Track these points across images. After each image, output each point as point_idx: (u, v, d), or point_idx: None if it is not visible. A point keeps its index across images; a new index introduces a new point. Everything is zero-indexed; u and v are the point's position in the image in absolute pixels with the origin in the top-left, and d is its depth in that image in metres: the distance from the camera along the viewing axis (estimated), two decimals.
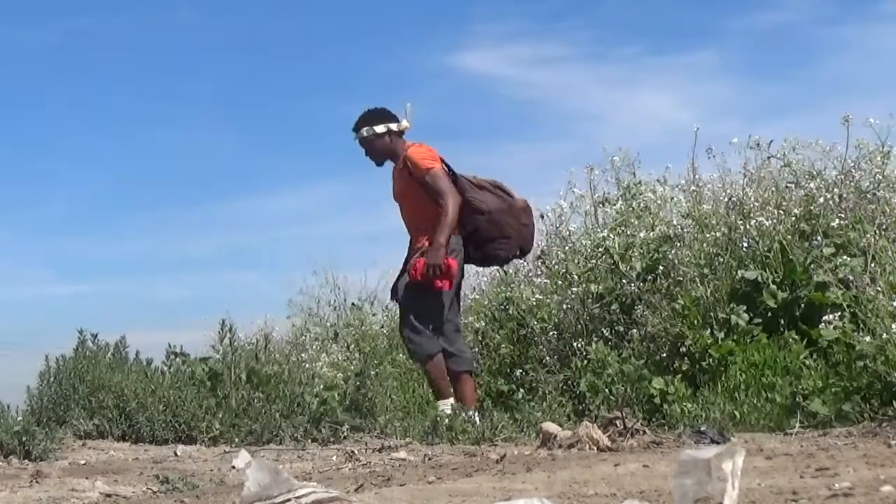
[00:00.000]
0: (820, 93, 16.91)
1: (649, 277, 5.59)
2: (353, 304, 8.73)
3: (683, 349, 4.99)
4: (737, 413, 4.22)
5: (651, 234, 5.94)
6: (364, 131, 5.52)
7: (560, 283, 6.15)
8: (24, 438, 4.45)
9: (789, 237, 5.24)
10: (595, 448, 3.61)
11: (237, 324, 5.82)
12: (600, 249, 6.11)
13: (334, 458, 4.12)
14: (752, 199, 5.61)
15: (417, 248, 5.40)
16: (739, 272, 5.17)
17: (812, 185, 5.59)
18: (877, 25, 16.13)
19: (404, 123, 5.51)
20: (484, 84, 19.03)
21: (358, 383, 5.07)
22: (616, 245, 5.97)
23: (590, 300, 5.80)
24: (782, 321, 4.92)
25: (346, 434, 4.75)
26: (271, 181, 18.80)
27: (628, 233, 6.11)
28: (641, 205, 6.42)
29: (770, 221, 5.31)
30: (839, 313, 4.44)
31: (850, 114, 5.54)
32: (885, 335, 3.93)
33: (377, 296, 8.59)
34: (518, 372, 5.82)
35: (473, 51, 19.86)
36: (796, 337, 4.68)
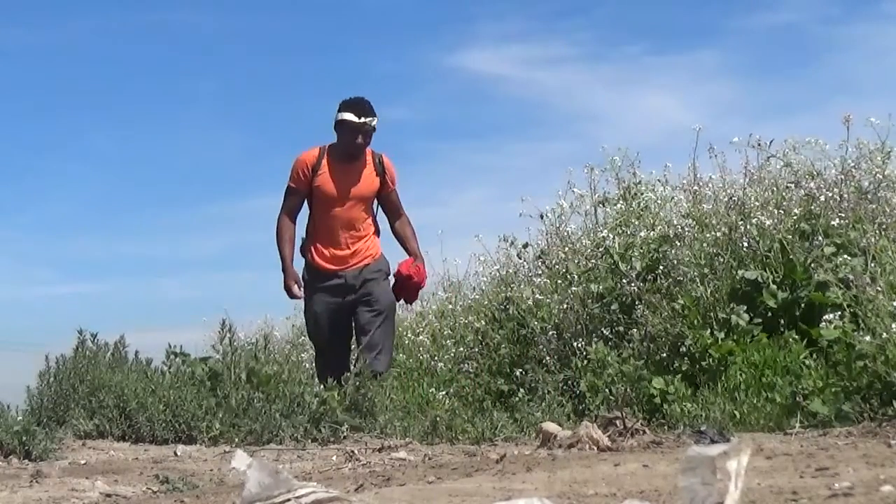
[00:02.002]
0: (822, 93, 16.94)
1: (649, 277, 5.59)
2: None
3: (683, 349, 4.99)
4: (737, 413, 4.22)
5: (651, 233, 5.94)
6: (376, 121, 5.49)
7: (560, 283, 6.15)
8: (24, 438, 4.44)
9: (789, 237, 5.24)
10: (595, 448, 3.61)
11: (237, 324, 5.83)
12: (600, 249, 6.11)
13: (334, 458, 4.12)
14: (753, 198, 5.61)
15: (364, 255, 5.55)
16: (739, 272, 5.17)
17: (812, 184, 5.59)
18: (879, 25, 16.14)
19: None
20: (486, 84, 19.08)
21: (358, 383, 5.06)
22: (616, 245, 5.97)
23: (590, 300, 5.80)
24: (782, 321, 4.92)
25: (346, 434, 4.75)
26: (272, 181, 18.83)
27: (628, 233, 6.11)
28: (641, 204, 6.42)
29: (770, 221, 5.31)
30: (839, 313, 4.44)
31: (852, 114, 5.55)
32: (885, 335, 3.93)
33: None
34: (518, 372, 5.81)
35: (475, 51, 19.90)
36: (796, 337, 4.68)
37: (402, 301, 5.81)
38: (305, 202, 5.66)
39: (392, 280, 5.66)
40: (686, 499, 1.59)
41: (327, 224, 5.57)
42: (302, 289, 5.63)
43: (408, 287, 5.69)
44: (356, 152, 5.51)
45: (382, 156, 5.61)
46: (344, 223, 5.54)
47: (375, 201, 5.68)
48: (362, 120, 5.42)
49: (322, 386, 5.12)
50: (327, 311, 5.59)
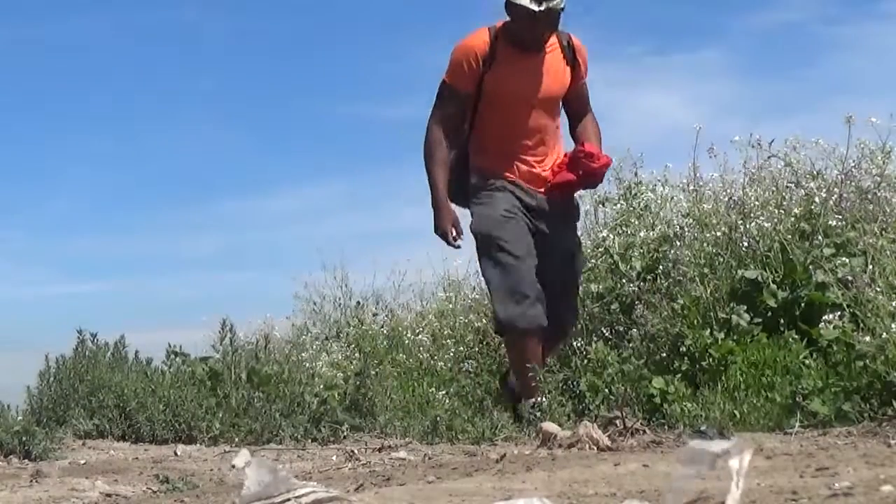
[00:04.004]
0: (823, 92, 16.89)
1: (649, 277, 5.59)
2: (357, 302, 8.71)
3: (683, 349, 4.98)
4: (737, 413, 4.22)
5: (651, 233, 5.94)
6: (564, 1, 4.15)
7: None
8: (24, 438, 4.44)
9: (789, 237, 5.24)
10: (595, 448, 3.61)
11: (237, 324, 5.83)
12: (600, 249, 6.11)
13: (334, 457, 4.12)
14: (753, 198, 5.61)
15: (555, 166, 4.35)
16: (739, 272, 5.16)
17: (812, 184, 5.58)
18: (879, 25, 16.13)
19: None
20: None
21: (358, 383, 5.06)
22: (616, 245, 5.97)
23: (589, 300, 5.80)
24: (782, 321, 4.91)
25: (346, 434, 4.75)
26: (272, 181, 18.80)
27: (628, 232, 6.11)
28: (642, 204, 6.42)
29: (770, 221, 5.31)
30: (839, 313, 4.44)
31: (853, 113, 5.53)
32: (884, 335, 3.93)
33: (381, 295, 8.55)
34: None
35: None
36: (796, 337, 4.67)
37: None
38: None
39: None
40: (670, 496, 1.59)
41: (504, 137, 4.29)
42: (459, 236, 4.31)
43: (584, 169, 4.45)
44: (535, 47, 4.22)
45: (571, 37, 4.34)
46: (528, 134, 4.27)
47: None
48: (543, 7, 4.07)
49: (502, 311, 4.22)
50: (517, 208, 4.28)
